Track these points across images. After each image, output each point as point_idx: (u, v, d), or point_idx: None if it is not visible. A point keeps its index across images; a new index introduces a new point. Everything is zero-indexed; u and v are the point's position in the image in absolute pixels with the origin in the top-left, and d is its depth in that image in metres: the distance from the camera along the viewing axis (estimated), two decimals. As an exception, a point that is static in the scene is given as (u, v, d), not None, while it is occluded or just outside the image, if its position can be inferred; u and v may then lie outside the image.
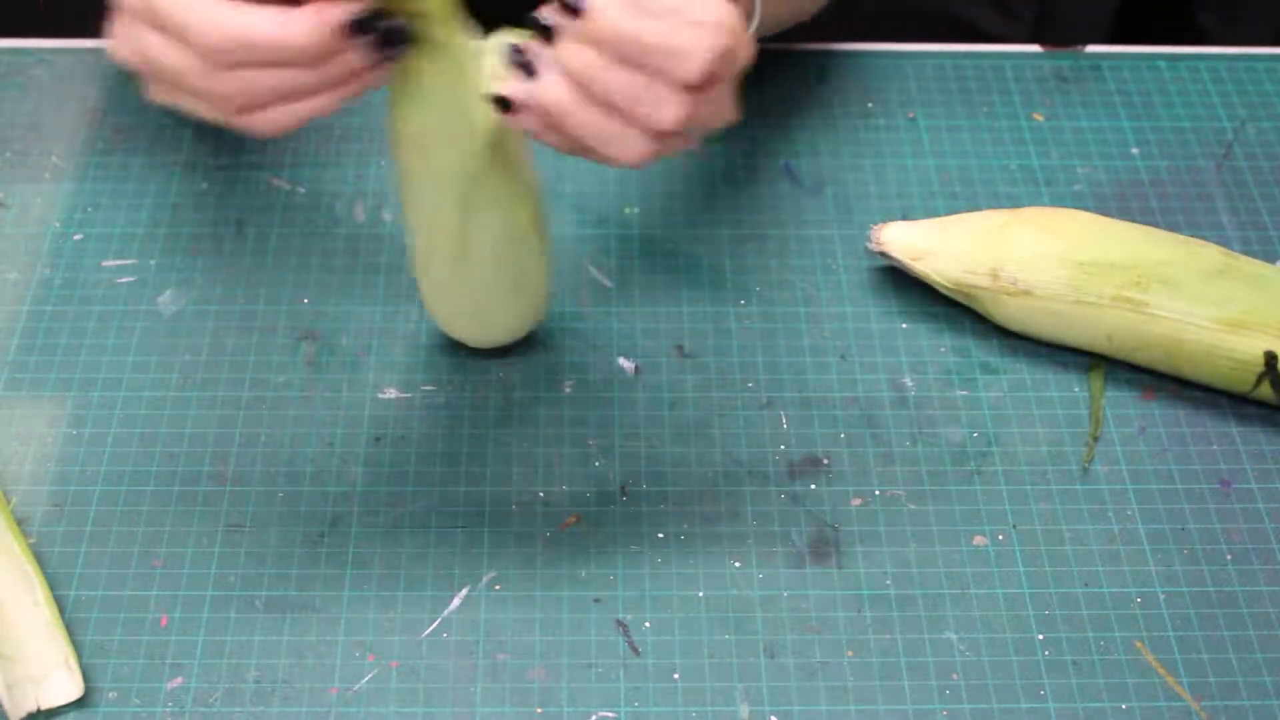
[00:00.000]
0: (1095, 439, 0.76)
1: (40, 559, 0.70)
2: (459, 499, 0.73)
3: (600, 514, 0.72)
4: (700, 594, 0.70)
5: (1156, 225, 0.83)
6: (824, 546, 0.71)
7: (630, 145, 0.61)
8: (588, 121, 0.61)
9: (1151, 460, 0.75)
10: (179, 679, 0.66)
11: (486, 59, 0.63)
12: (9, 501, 0.72)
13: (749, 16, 0.74)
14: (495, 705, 0.66)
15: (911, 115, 0.92)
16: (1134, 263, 0.77)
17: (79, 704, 0.65)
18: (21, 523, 0.71)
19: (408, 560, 0.71)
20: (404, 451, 0.75)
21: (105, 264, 0.83)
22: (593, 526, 0.72)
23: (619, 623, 0.69)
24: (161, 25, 0.60)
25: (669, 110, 0.60)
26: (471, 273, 0.72)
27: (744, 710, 0.66)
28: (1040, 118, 0.92)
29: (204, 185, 0.87)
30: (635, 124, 0.61)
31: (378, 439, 0.75)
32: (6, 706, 0.65)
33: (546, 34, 0.61)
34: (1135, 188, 0.88)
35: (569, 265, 0.83)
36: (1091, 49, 0.97)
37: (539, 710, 0.66)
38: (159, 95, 0.62)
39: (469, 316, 0.76)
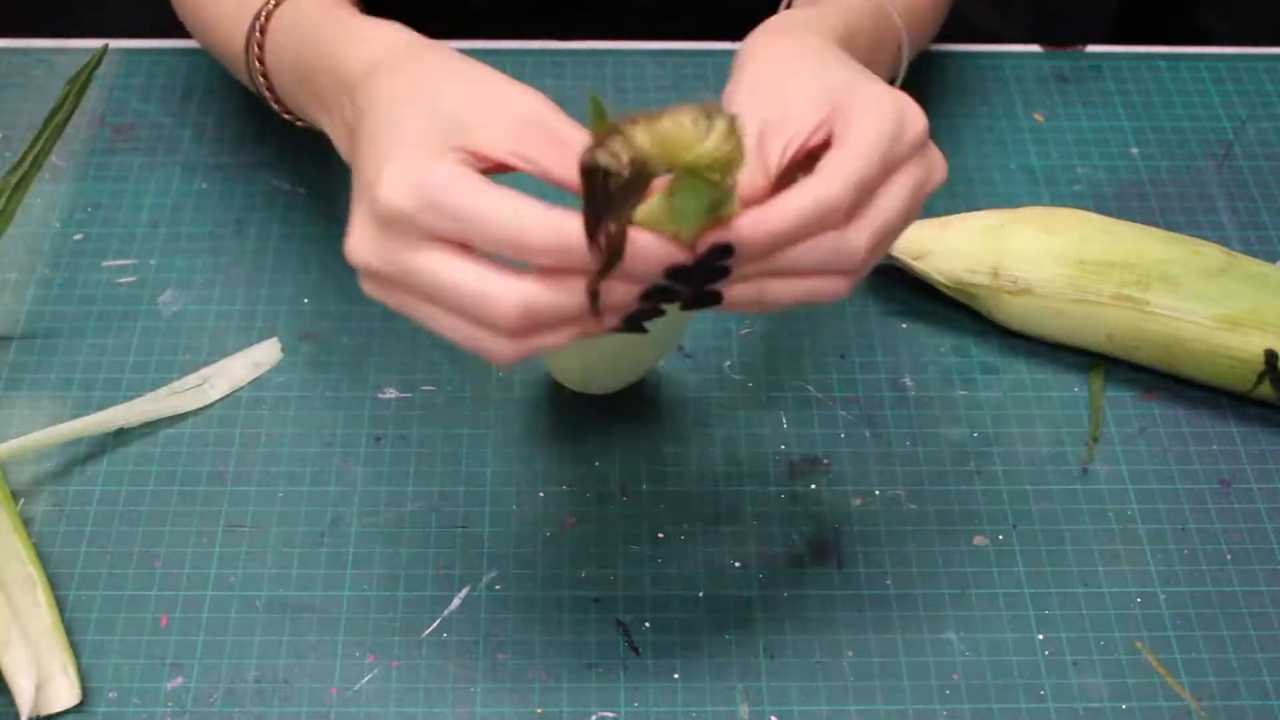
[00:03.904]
0: (1095, 439, 0.76)
1: (40, 559, 0.69)
2: (459, 499, 0.73)
3: (600, 514, 0.72)
4: (700, 594, 0.70)
5: (1156, 225, 0.83)
6: (824, 546, 0.71)
7: (832, 286, 0.58)
8: (786, 290, 0.57)
9: (1151, 460, 0.75)
10: (179, 679, 0.66)
11: None
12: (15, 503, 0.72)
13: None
14: (495, 705, 0.66)
15: (911, 115, 0.92)
16: (1134, 261, 0.77)
17: (78, 705, 0.65)
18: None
19: (408, 560, 0.70)
20: (404, 451, 0.75)
21: (105, 264, 0.83)
22: (593, 526, 0.72)
23: (619, 623, 0.69)
24: (430, 298, 0.56)
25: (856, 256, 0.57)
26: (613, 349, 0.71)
27: (744, 710, 0.66)
28: (1040, 118, 0.92)
29: (204, 185, 0.87)
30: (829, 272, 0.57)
31: (378, 439, 0.75)
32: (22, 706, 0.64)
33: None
34: (1135, 188, 0.88)
35: (569, 265, 0.83)
36: (1091, 49, 0.97)
37: (539, 710, 0.66)
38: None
39: (600, 374, 0.75)
